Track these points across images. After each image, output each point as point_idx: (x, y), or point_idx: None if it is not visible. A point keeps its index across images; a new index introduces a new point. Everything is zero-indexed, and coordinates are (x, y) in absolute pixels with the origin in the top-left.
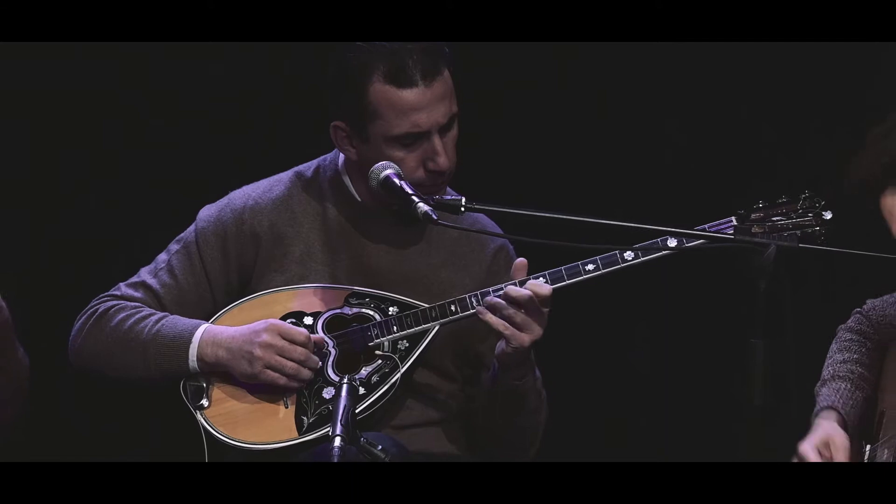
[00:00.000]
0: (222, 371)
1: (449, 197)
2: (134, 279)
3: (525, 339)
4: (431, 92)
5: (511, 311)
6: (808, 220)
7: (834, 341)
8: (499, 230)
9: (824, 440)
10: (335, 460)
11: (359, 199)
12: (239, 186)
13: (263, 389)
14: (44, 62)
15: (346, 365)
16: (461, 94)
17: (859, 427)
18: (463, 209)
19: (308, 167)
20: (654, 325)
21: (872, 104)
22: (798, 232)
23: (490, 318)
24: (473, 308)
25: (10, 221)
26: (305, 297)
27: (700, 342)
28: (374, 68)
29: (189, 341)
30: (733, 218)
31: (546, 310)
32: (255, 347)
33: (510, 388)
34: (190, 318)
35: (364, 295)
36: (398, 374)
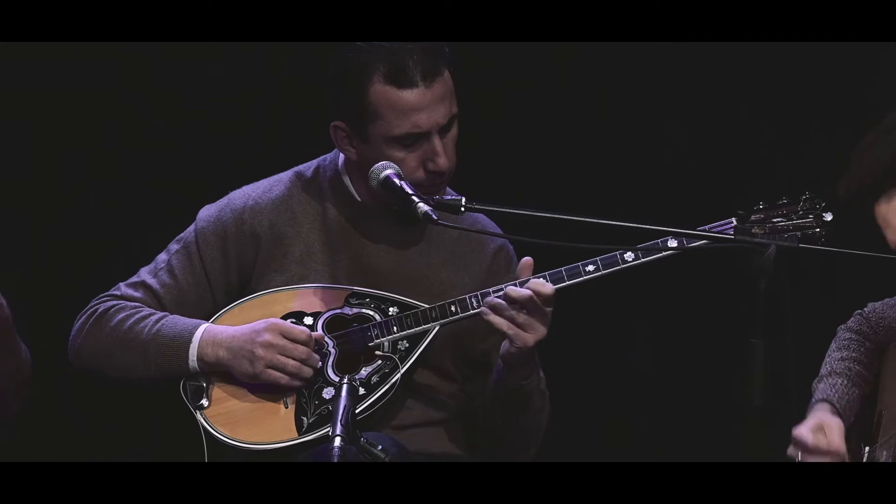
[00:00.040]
0: (222, 371)
1: (449, 197)
2: (134, 279)
3: (529, 338)
4: (432, 92)
5: (513, 310)
6: (808, 222)
7: (833, 340)
8: (499, 230)
9: (818, 424)
10: (335, 460)
11: (359, 199)
12: (239, 186)
13: (263, 389)
14: (44, 62)
15: (346, 365)
16: (461, 94)
17: (857, 427)
18: (463, 209)
19: (308, 167)
20: (654, 324)
21: (872, 104)
22: (798, 233)
23: (493, 318)
24: (474, 309)
25: (10, 221)
26: (305, 297)
27: (700, 342)
28: (374, 69)
29: (189, 341)
30: (734, 219)
31: (549, 309)
32: (256, 347)
33: (515, 388)
34: (190, 318)
35: (364, 295)
36: (398, 375)
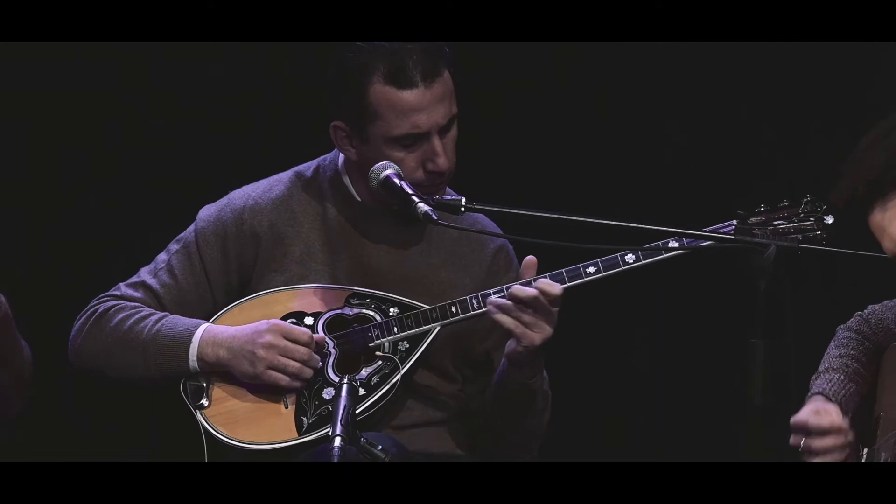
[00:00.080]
0: (222, 371)
1: (449, 197)
2: (134, 279)
3: (536, 338)
4: (431, 93)
5: (523, 309)
6: (809, 225)
7: (832, 340)
8: (499, 230)
9: (814, 409)
10: (335, 460)
11: (359, 199)
12: (239, 186)
13: (264, 389)
14: (44, 62)
15: (347, 365)
16: (461, 94)
17: (855, 428)
18: (463, 209)
19: (308, 167)
20: (654, 324)
21: (872, 104)
22: (800, 236)
23: (501, 317)
24: (474, 310)
25: (10, 221)
26: (306, 298)
27: (700, 342)
28: (374, 69)
29: (189, 341)
30: (735, 221)
31: (556, 309)
32: (257, 348)
33: (519, 388)
34: (190, 317)
35: (365, 295)
36: (398, 376)
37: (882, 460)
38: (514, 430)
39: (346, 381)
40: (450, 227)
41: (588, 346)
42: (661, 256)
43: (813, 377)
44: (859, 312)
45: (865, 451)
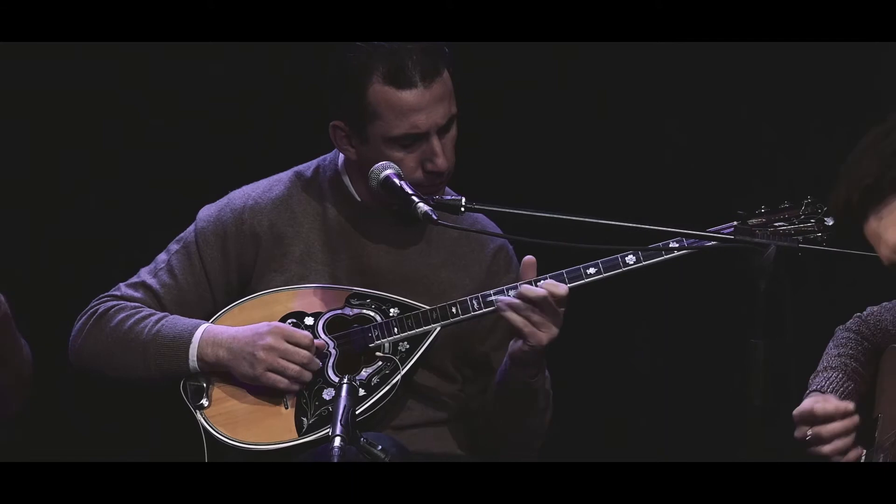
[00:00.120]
0: (223, 371)
1: (449, 197)
2: (134, 279)
3: (543, 338)
4: (430, 93)
5: (533, 309)
6: (809, 226)
7: (831, 340)
8: (498, 230)
9: (815, 399)
10: (335, 460)
11: (358, 198)
12: (239, 186)
13: (264, 390)
14: (44, 62)
15: (347, 366)
16: (461, 94)
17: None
18: (463, 209)
19: (308, 167)
20: (655, 324)
21: (872, 104)
22: (800, 237)
23: (511, 316)
24: (475, 310)
25: (10, 221)
26: (306, 298)
27: (700, 342)
28: (373, 69)
29: (189, 341)
30: (736, 223)
31: (562, 309)
32: (257, 349)
33: (521, 387)
34: (190, 318)
35: (365, 296)
36: (398, 376)
37: (881, 461)
38: (516, 429)
39: (345, 380)
40: (450, 227)
41: (588, 347)
42: (662, 258)
43: (812, 376)
44: (858, 314)
45: (864, 451)
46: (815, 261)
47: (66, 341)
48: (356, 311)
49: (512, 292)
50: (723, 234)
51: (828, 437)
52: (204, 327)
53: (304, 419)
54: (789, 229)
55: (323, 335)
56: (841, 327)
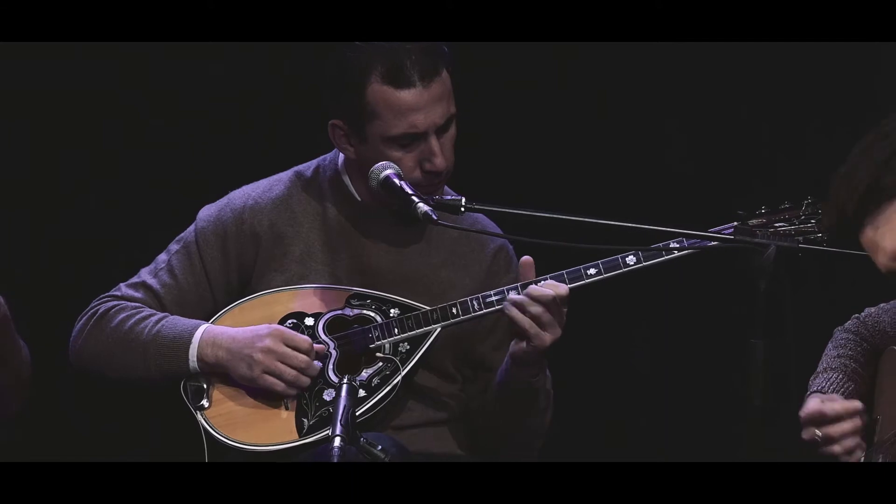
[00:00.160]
0: (223, 372)
1: (449, 197)
2: (134, 279)
3: (547, 338)
4: (429, 93)
5: (540, 309)
6: (810, 227)
7: (830, 341)
8: (499, 230)
9: (820, 399)
10: (335, 460)
11: (358, 198)
12: (239, 186)
13: (264, 391)
14: (44, 62)
15: (347, 367)
16: (461, 94)
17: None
18: (463, 209)
19: (308, 167)
20: (655, 324)
21: (872, 104)
22: (801, 238)
23: (517, 315)
24: (475, 311)
25: (10, 221)
26: (306, 298)
27: (700, 342)
28: (372, 68)
29: (189, 342)
30: (736, 223)
31: (565, 309)
32: (255, 351)
33: (523, 386)
34: (190, 318)
35: (365, 296)
36: (399, 377)
37: (880, 461)
38: (517, 429)
39: (345, 380)
40: (450, 228)
41: (588, 347)
42: (663, 258)
43: (812, 377)
44: (856, 315)
45: (863, 453)
46: (815, 261)
47: (66, 341)
48: (356, 311)
49: (513, 293)
50: (723, 234)
51: (838, 437)
52: (204, 328)
53: (305, 420)
54: (789, 230)
55: (323, 336)
56: (839, 328)
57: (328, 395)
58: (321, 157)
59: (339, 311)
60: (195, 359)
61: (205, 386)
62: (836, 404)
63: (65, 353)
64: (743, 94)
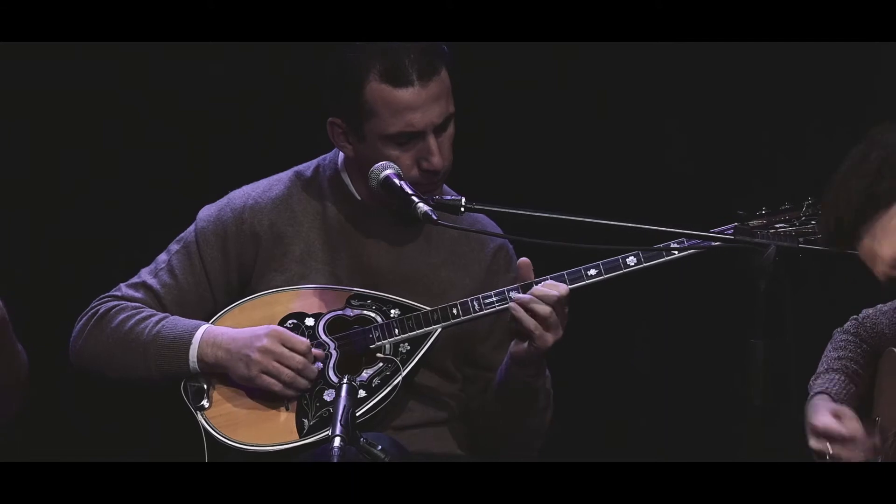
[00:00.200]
0: (223, 372)
1: (449, 197)
2: (134, 279)
3: (550, 339)
4: (427, 92)
5: (547, 309)
6: (810, 227)
7: (829, 342)
8: (499, 230)
9: (833, 411)
10: (335, 460)
11: (358, 197)
12: (239, 186)
13: (264, 392)
14: (44, 62)
15: (347, 367)
16: (461, 94)
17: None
18: (463, 209)
19: (308, 167)
20: (655, 324)
21: (872, 104)
22: (800, 238)
23: (523, 315)
24: (475, 311)
25: (10, 221)
26: (307, 298)
27: (700, 342)
28: (370, 67)
29: (189, 342)
30: (736, 223)
31: (566, 309)
32: (253, 351)
33: (523, 386)
34: (190, 318)
35: (366, 297)
36: (399, 378)
37: (879, 461)
38: (517, 429)
39: (345, 381)
40: (449, 228)
41: (588, 347)
42: (663, 258)
43: (812, 378)
44: (854, 316)
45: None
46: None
47: (66, 341)
48: (357, 311)
49: (513, 293)
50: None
51: (846, 457)
52: (204, 328)
53: (305, 420)
54: (789, 230)
55: (324, 336)
56: (839, 330)
57: (328, 395)
58: (321, 157)
59: (340, 312)
60: (195, 359)
61: (205, 386)
62: (847, 427)
63: (65, 353)
64: (743, 94)
